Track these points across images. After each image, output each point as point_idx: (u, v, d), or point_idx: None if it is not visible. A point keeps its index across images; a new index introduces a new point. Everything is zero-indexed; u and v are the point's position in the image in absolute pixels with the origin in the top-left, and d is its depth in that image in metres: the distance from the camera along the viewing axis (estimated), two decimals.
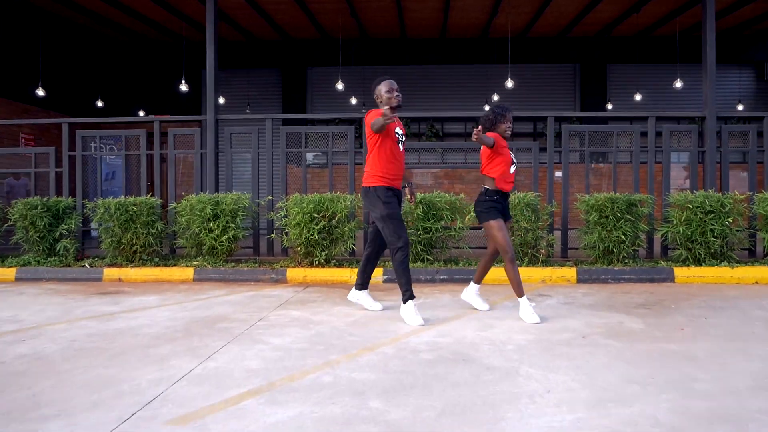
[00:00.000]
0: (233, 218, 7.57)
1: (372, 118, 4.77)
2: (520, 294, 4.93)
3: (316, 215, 7.27)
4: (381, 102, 4.95)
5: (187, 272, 7.31)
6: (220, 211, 7.53)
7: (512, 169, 5.11)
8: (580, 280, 6.99)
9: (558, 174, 10.42)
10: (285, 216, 7.60)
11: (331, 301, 5.79)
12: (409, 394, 3.08)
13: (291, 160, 11.45)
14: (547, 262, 7.44)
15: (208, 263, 7.53)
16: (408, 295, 4.79)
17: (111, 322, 4.91)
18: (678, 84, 10.21)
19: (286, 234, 7.57)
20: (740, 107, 13.46)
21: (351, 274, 7.12)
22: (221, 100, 12.45)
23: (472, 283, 5.40)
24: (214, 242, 7.52)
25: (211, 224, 7.50)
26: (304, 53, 14.08)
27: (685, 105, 13.37)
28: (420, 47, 14.07)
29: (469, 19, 12.47)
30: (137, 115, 12.83)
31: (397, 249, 4.75)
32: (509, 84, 10.87)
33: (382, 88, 4.93)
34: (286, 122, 12.64)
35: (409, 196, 5.38)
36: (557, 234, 8.10)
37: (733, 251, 7.42)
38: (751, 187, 8.02)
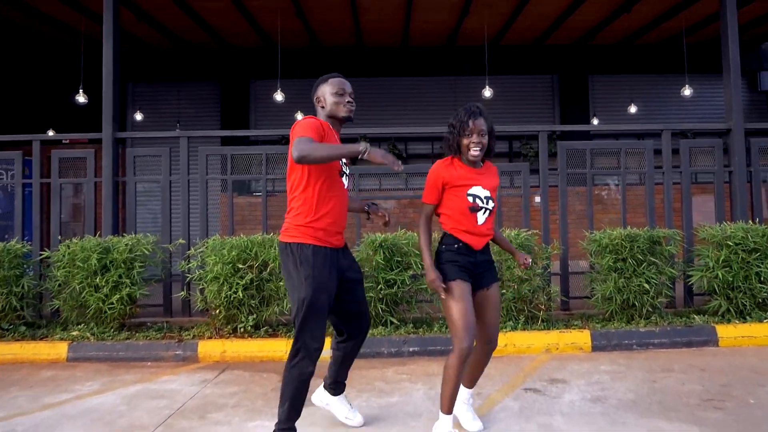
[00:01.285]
0: (128, 271, 5.58)
1: (300, 131, 2.91)
2: (447, 410, 3.02)
3: (240, 265, 5.37)
4: (324, 108, 3.19)
5: (59, 349, 5.27)
6: (111, 262, 5.55)
7: (480, 216, 3.12)
8: (596, 348, 5.20)
9: (537, 200, 8.68)
10: (200, 267, 5.66)
11: (248, 406, 3.85)
12: None
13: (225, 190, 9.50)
14: (549, 321, 5.64)
15: (93, 333, 5.51)
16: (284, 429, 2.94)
17: None
18: (687, 92, 8.66)
19: (201, 292, 5.62)
20: None
21: (287, 346, 5.19)
22: (139, 117, 10.43)
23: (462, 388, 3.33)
24: (101, 305, 5.52)
25: (98, 280, 5.51)
26: (246, 64, 12.15)
27: (685, 118, 11.88)
28: (379, 56, 12.30)
29: (435, 23, 10.75)
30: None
31: (301, 355, 2.89)
32: (487, 93, 9.15)
33: (327, 89, 3.18)
34: (225, 142, 10.71)
35: (382, 217, 3.48)
36: (554, 279, 6.34)
37: None
38: None
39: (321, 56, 12.24)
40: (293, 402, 2.89)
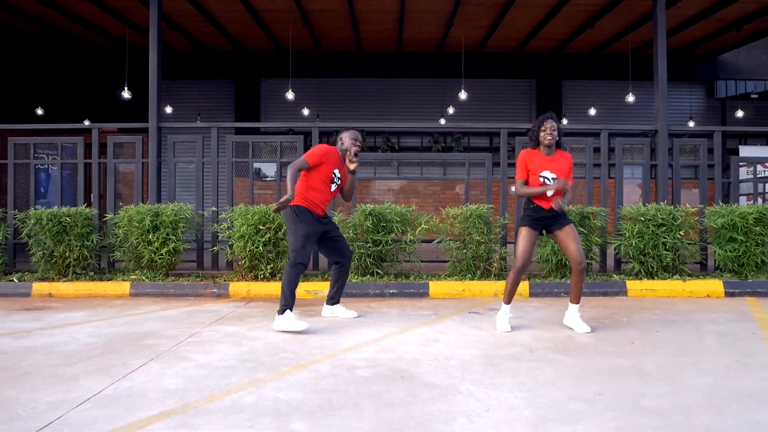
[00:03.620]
0: (174, 230, 7.20)
1: (318, 154, 4.94)
2: (506, 301, 4.91)
3: (261, 227, 6.97)
4: (342, 145, 5.14)
5: (123, 287, 6.89)
6: (160, 223, 7.16)
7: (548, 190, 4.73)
8: (532, 294, 6.82)
9: (513, 189, 10.30)
10: (229, 228, 7.27)
11: (271, 317, 5.47)
12: (336, 416, 2.81)
13: (240, 172, 11.11)
14: (500, 276, 7.26)
15: (147, 277, 7.13)
16: (285, 308, 4.77)
17: (26, 339, 4.51)
18: (630, 98, 10.25)
19: (230, 247, 7.24)
20: (691, 124, 13.66)
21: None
22: (169, 110, 12.07)
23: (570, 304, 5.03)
24: (153, 255, 7.13)
25: (151, 236, 7.12)
26: (258, 64, 13.79)
27: (637, 120, 13.52)
28: (376, 61, 13.94)
29: (425, 33, 12.38)
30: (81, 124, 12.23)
31: (297, 265, 4.78)
32: (462, 95, 10.75)
33: (346, 136, 5.13)
34: (239, 132, 12.34)
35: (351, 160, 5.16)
36: (510, 248, 7.95)
37: (685, 264, 7.37)
38: (702, 201, 8.02)
39: (325, 60, 13.85)
40: (290, 291, 4.74)
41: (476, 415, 2.82)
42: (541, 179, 4.76)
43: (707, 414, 2.84)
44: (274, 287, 6.83)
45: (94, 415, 2.82)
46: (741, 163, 8.81)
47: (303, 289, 6.79)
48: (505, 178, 8.07)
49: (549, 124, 4.72)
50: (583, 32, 12.15)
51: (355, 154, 5.04)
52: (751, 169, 11.69)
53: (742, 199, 11.59)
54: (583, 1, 10.40)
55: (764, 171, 13.00)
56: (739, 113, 12.61)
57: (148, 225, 7.09)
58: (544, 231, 4.95)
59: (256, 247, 6.93)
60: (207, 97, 13.86)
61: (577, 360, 3.87)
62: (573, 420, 2.76)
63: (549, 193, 4.70)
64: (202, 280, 7.14)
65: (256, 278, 7.07)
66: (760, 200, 11.77)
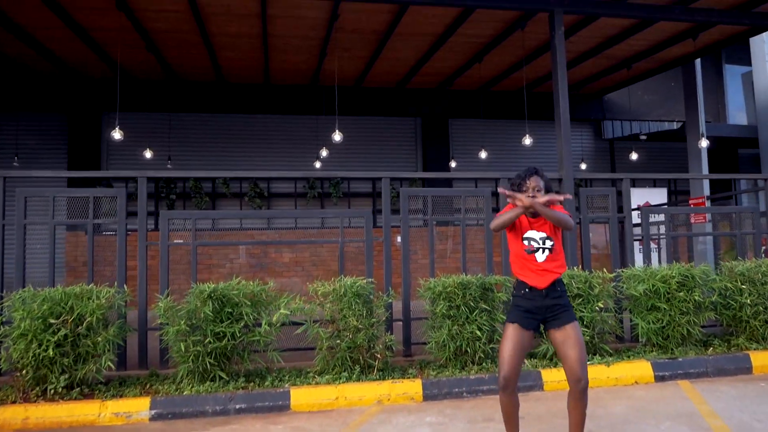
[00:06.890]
0: None
1: None
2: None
3: (53, 320, 4.93)
4: None
5: None
6: None
7: (539, 256, 3.47)
8: (427, 397, 5.22)
9: (399, 239, 8.80)
10: (6, 322, 5.14)
11: None
12: None
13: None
14: (385, 371, 5.59)
15: None
16: None
17: None
18: (527, 141, 9.22)
19: (6, 350, 5.10)
20: (583, 166, 12.94)
21: (101, 409, 4.80)
22: None
23: None
24: None
25: None
26: (97, 95, 11.51)
27: (530, 163, 12.62)
28: (241, 93, 12.12)
29: (295, 62, 10.78)
30: None
31: None
32: (337, 137, 9.19)
33: None
34: (73, 183, 10.07)
35: None
36: (397, 326, 6.36)
37: (605, 342, 6.11)
38: (615, 262, 6.88)
39: (179, 91, 11.86)
40: None
41: None
42: (526, 242, 3.50)
43: None
44: (68, 411, 4.78)
45: None
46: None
47: (110, 411, 4.79)
48: (389, 237, 6.52)
49: (533, 183, 3.53)
50: (471, 67, 11.06)
51: None
52: (656, 217, 10.97)
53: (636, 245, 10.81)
54: (471, 32, 9.24)
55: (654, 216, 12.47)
56: (634, 156, 11.98)
57: None
58: (541, 326, 3.60)
59: (45, 350, 4.87)
60: (30, 134, 11.36)
61: None
62: None
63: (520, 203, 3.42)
64: None
65: (44, 394, 4.97)
66: (656, 254, 11.06)
